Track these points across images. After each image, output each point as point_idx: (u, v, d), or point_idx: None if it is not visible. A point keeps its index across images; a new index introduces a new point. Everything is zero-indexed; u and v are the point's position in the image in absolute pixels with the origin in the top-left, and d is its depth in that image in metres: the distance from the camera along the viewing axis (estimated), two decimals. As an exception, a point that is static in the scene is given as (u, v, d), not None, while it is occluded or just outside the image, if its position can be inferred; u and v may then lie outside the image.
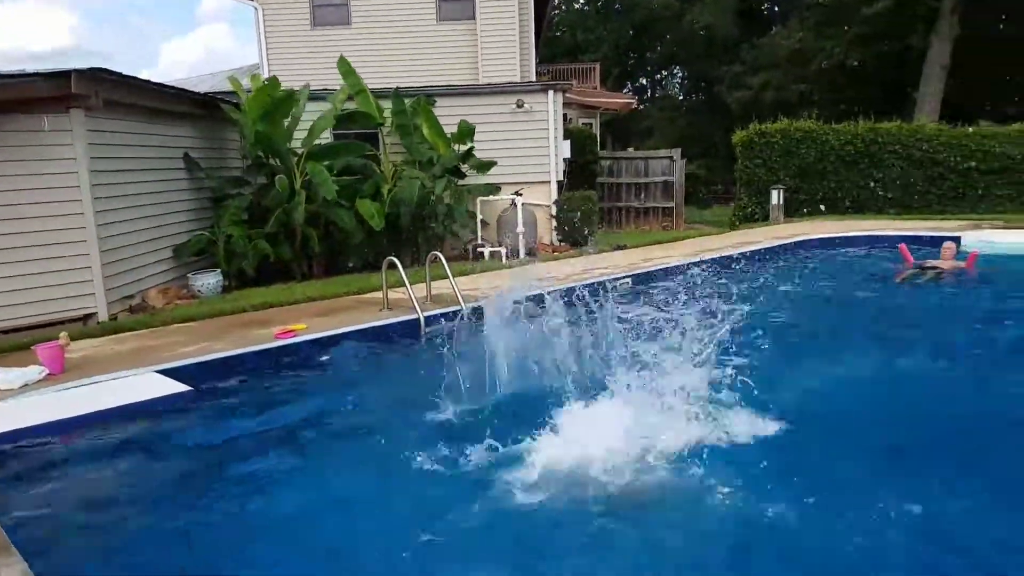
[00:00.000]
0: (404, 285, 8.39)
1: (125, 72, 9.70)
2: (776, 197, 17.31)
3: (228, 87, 13.02)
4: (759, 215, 17.95)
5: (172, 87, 11.71)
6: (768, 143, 18.16)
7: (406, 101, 13.67)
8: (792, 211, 17.88)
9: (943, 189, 17.53)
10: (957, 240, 11.53)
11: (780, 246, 13.23)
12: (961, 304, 9.67)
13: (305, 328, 7.97)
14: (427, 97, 14.02)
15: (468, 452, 4.93)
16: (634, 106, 33.31)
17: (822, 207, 17.97)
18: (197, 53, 72.95)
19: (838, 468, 4.69)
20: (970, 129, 17.52)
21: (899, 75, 29.94)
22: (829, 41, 30.50)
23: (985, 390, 6.21)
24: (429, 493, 4.61)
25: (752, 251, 12.75)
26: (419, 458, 4.91)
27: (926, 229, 13.71)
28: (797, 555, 3.80)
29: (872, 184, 17.84)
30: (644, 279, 10.79)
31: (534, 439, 4.89)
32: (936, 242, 11.39)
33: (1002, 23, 30.33)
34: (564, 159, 15.22)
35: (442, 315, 8.48)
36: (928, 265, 10.57)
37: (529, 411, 5.28)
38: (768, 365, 6.17)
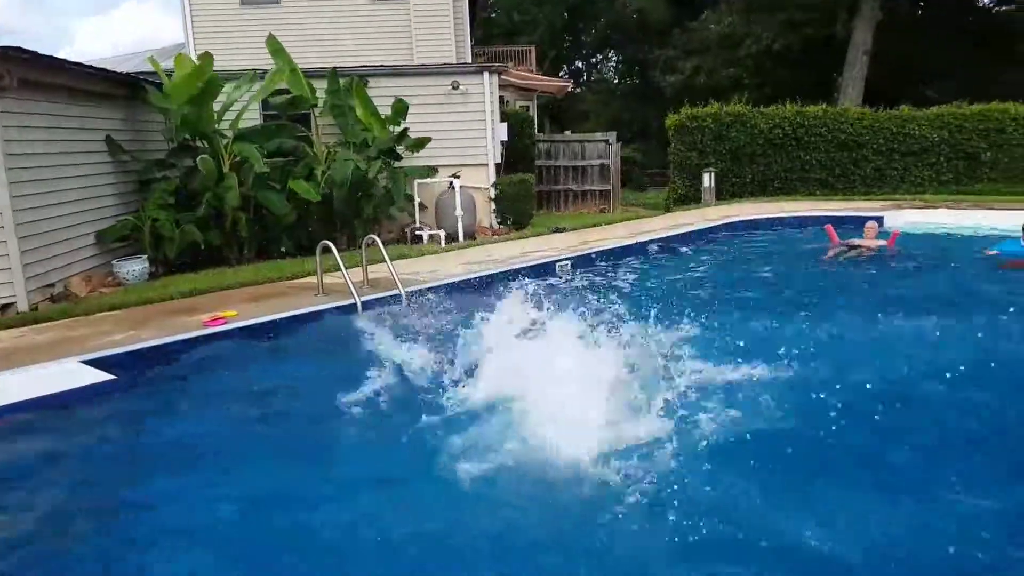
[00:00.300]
0: (340, 269, 8.27)
1: (41, 51, 9.26)
2: (708, 180, 17.64)
3: (152, 67, 12.54)
4: (692, 198, 18.28)
5: (92, 67, 11.23)
6: (700, 127, 18.47)
7: (340, 81, 13.43)
8: (723, 194, 18.26)
9: (866, 171, 18.15)
10: (879, 220, 12.02)
11: (711, 228, 13.51)
12: (881, 280, 10.09)
13: (236, 315, 7.79)
14: (360, 77, 13.79)
15: (396, 434, 4.93)
16: (570, 89, 33.44)
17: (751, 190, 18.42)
18: (120, 31, 70.10)
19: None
20: (891, 113, 18.15)
21: (825, 60, 30.71)
22: (757, 26, 31.11)
23: (898, 354, 6.61)
24: (355, 473, 4.63)
25: (684, 233, 13.00)
26: (349, 442, 4.89)
27: (850, 210, 14.18)
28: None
29: (799, 166, 18.34)
30: (583, 261, 10.91)
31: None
32: (860, 222, 11.82)
33: (920, 8, 31.48)
34: (501, 142, 15.19)
35: (380, 300, 8.44)
36: (852, 244, 11.01)
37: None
38: (694, 337, 6.36)
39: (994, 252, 9.99)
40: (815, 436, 4.67)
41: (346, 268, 8.28)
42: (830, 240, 11.32)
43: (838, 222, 12.05)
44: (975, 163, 17.56)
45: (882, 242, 11.04)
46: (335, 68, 13.48)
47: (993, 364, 6.01)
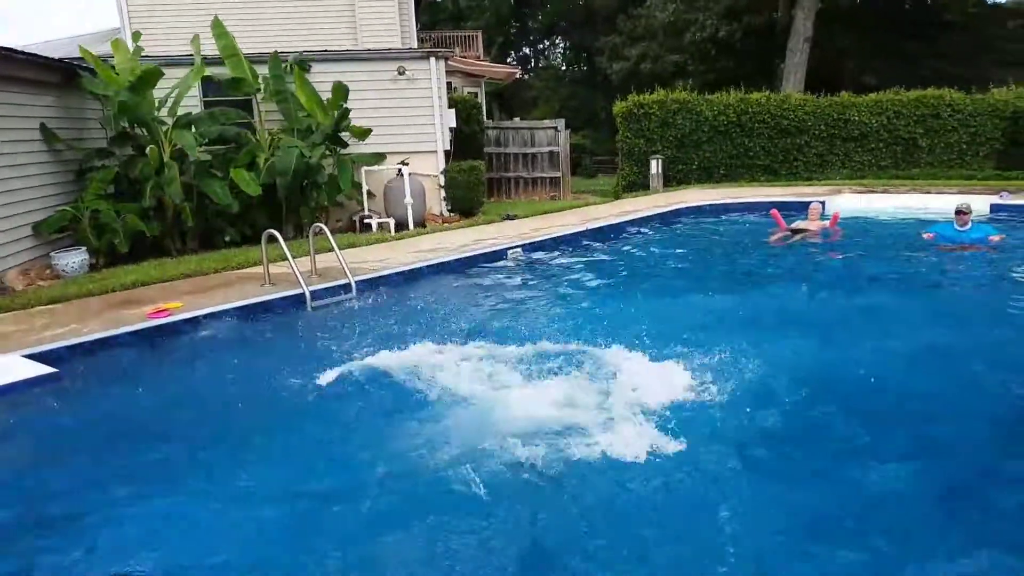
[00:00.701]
0: (287, 259, 8.14)
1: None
2: (655, 167, 17.84)
3: (92, 52, 12.09)
4: (641, 184, 18.46)
5: (23, 52, 10.78)
6: (646, 114, 18.65)
7: (282, 66, 13.16)
8: (671, 180, 18.49)
9: (809, 156, 18.57)
10: (822, 204, 12.36)
11: (660, 214, 13.68)
12: (822, 261, 10.51)
13: (180, 306, 7.62)
14: (300, 63, 13.51)
15: (343, 425, 4.90)
16: (518, 76, 33.36)
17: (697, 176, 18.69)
18: (60, 16, 67.33)
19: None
20: (832, 99, 18.58)
21: (768, 47, 31.24)
22: (701, 13, 31.48)
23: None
24: (296, 461, 4.61)
25: (634, 219, 13.14)
26: (296, 433, 4.86)
27: (793, 195, 14.51)
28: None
29: (744, 153, 18.66)
30: (535, 248, 10.95)
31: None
32: (803, 207, 12.12)
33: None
34: (450, 128, 15.10)
35: (329, 289, 8.34)
36: (797, 227, 11.32)
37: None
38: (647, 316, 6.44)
39: (930, 235, 10.33)
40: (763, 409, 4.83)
41: (293, 257, 8.16)
42: (776, 224, 11.58)
43: (782, 207, 12.31)
44: (912, 148, 18.11)
45: (824, 223, 11.44)
46: (276, 52, 13.19)
47: (926, 339, 6.29)
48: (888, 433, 4.74)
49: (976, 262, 9.65)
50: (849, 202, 13.53)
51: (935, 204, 12.47)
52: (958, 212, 10.06)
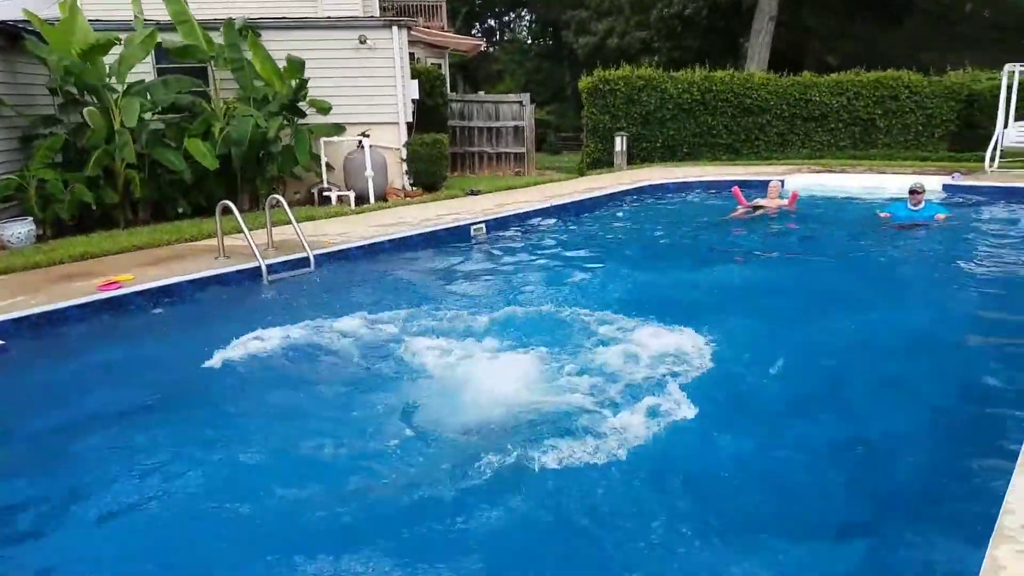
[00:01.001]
0: (242, 231, 7.95)
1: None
2: (620, 144, 17.80)
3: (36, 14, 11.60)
4: (606, 162, 18.42)
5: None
6: (612, 90, 18.56)
7: (238, 33, 12.79)
8: (635, 158, 18.47)
9: (770, 136, 18.67)
10: (781, 182, 12.49)
11: (624, 191, 13.68)
12: (781, 237, 10.67)
13: (132, 279, 7.41)
14: (255, 30, 13.13)
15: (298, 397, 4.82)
16: (483, 48, 32.97)
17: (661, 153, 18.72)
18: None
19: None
20: (794, 79, 18.66)
21: (733, 26, 31.28)
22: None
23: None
24: (246, 436, 4.52)
25: (599, 196, 13.11)
26: (244, 408, 4.80)
27: (754, 174, 14.58)
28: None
29: (707, 131, 18.70)
30: (498, 224, 10.87)
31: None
32: (764, 185, 12.20)
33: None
34: (412, 100, 14.85)
35: (286, 263, 8.18)
36: (757, 204, 11.44)
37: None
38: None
39: (886, 214, 10.51)
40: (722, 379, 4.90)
41: (249, 230, 7.97)
42: (737, 201, 11.66)
43: (743, 186, 12.38)
44: (871, 129, 18.30)
45: (783, 202, 11.55)
46: (230, 19, 12.79)
47: (882, 313, 6.44)
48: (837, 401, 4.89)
49: (926, 237, 9.88)
50: (808, 181, 13.66)
51: (891, 184, 12.66)
52: (912, 192, 10.29)
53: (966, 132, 17.61)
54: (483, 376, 5.00)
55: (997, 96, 14.66)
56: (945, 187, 12.50)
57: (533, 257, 9.35)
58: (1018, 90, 14.21)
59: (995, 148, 14.18)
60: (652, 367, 5.10)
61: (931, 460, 4.17)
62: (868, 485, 3.93)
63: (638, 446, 4.10)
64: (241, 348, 5.72)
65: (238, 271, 7.88)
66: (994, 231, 10.28)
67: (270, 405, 5.03)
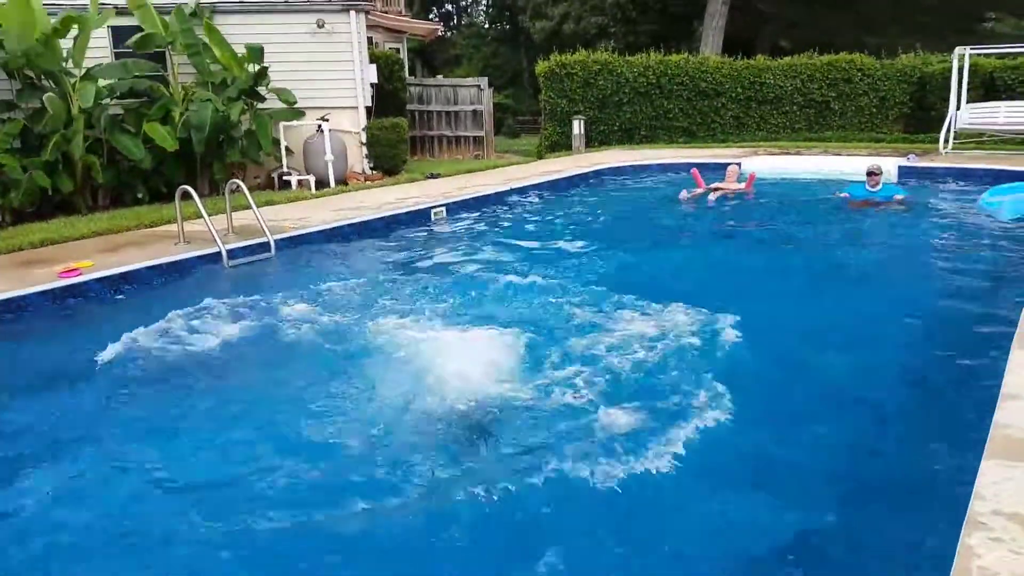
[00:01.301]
0: (202, 216, 7.90)
1: None
2: (577, 127, 17.93)
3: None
4: (564, 145, 18.54)
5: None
6: (568, 74, 18.67)
7: (192, 16, 12.58)
8: (592, 141, 18.62)
9: (726, 119, 18.95)
10: (739, 165, 12.74)
11: (582, 174, 13.82)
12: (740, 218, 10.88)
13: (92, 265, 7.32)
14: (211, 13, 12.91)
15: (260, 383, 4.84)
16: (441, 33, 32.76)
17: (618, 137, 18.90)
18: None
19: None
20: (748, 62, 18.95)
21: (688, 10, 31.53)
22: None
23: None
24: (203, 423, 4.53)
25: (557, 179, 13.24)
26: (206, 393, 4.80)
27: (710, 157, 14.83)
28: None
29: (663, 115, 18.92)
30: (458, 207, 10.93)
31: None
32: (720, 168, 12.45)
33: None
34: (371, 84, 14.79)
35: (247, 248, 8.15)
36: (715, 187, 11.66)
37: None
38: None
39: (844, 194, 10.84)
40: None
41: (209, 215, 7.92)
42: (696, 183, 11.86)
43: (701, 168, 12.61)
44: (825, 111, 18.68)
45: (741, 185, 11.78)
46: (180, 6, 12.57)
47: (838, 290, 6.64)
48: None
49: (884, 218, 10.19)
50: (764, 163, 13.93)
51: (846, 166, 12.97)
52: (869, 173, 10.56)
53: (919, 114, 18.07)
54: (446, 357, 5.04)
55: (948, 79, 15.06)
56: (901, 168, 12.82)
57: (493, 239, 9.43)
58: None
59: (948, 130, 14.55)
60: (615, 346, 5.17)
61: (896, 446, 4.18)
62: (831, 472, 3.91)
63: (601, 424, 4.16)
64: (201, 334, 5.70)
65: (199, 256, 7.82)
66: (951, 211, 10.54)
67: (230, 390, 5.02)
